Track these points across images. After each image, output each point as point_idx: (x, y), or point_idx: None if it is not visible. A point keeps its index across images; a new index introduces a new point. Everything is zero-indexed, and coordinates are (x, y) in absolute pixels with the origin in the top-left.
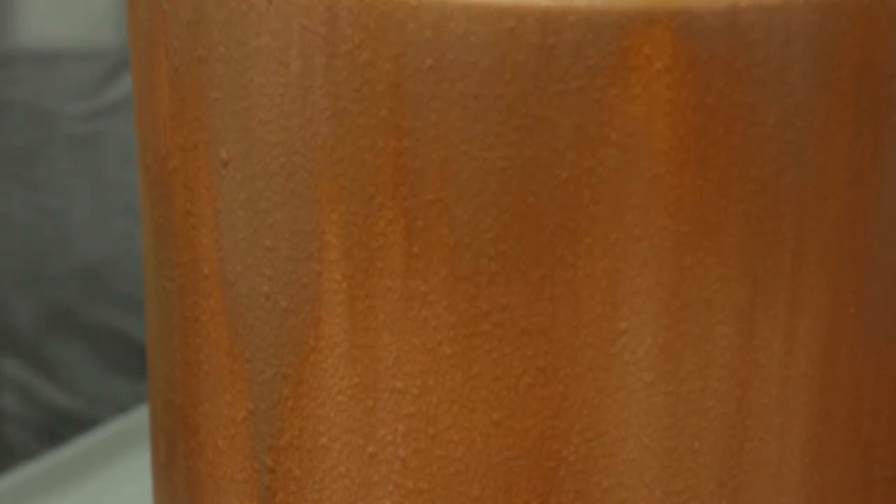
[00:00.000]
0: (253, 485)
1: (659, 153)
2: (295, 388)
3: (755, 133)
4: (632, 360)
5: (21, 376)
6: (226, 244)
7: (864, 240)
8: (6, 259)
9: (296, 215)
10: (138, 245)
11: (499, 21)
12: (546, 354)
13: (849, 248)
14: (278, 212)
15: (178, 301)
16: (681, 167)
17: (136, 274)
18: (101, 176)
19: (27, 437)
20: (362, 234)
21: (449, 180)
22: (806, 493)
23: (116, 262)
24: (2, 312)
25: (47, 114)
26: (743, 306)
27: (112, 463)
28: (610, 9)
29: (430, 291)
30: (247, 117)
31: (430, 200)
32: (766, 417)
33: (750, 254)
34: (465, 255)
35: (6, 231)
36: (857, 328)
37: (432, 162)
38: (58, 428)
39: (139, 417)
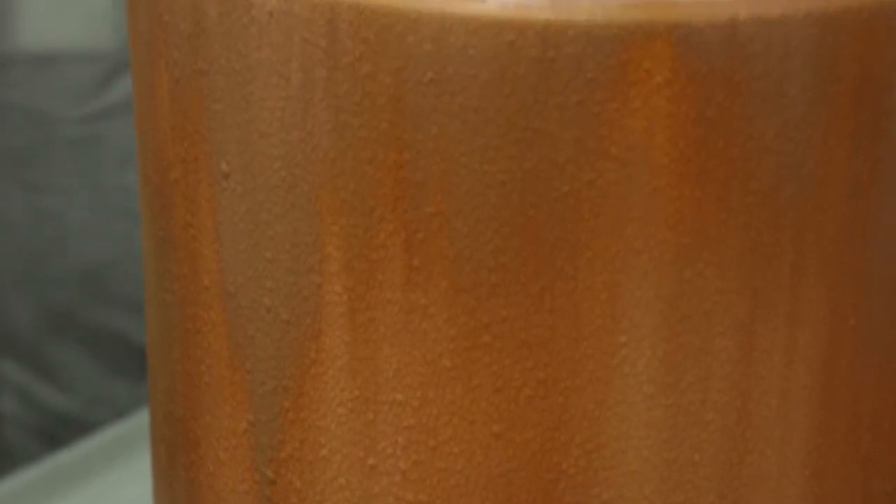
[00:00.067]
0: (254, 496)
1: (659, 166)
2: (296, 400)
3: (755, 146)
4: (632, 373)
5: (20, 378)
6: (226, 256)
7: (864, 253)
8: (5, 261)
9: (296, 227)
10: (137, 246)
11: (499, 34)
12: (546, 367)
13: (848, 260)
14: (279, 224)
15: (179, 312)
16: (680, 180)
17: (134, 275)
18: (99, 177)
19: (26, 439)
20: (363, 246)
21: (449, 193)
22: None
23: (115, 263)
24: (1, 314)
25: (46, 115)
26: (743, 319)
27: (112, 466)
28: (610, 23)
29: (431, 304)
30: (248, 130)
31: (431, 213)
32: (765, 430)
33: (750, 266)
34: (465, 268)
35: (5, 233)
36: (857, 341)
37: (433, 175)
38: (57, 430)
39: (139, 420)
